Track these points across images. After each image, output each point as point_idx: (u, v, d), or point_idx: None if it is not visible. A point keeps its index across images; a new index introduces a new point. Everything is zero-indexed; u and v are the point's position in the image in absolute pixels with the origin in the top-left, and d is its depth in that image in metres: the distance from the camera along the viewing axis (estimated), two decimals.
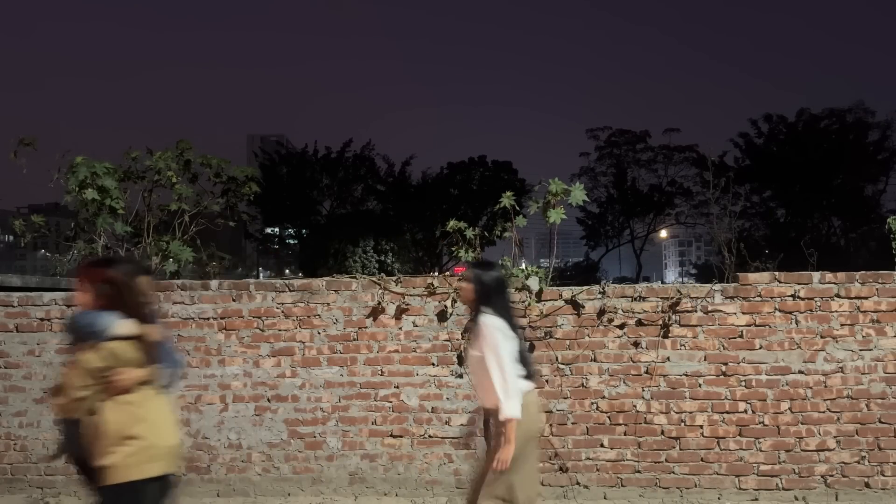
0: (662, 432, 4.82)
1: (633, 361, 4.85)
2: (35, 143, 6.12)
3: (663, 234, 48.93)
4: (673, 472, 4.80)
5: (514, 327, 3.30)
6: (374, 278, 5.04)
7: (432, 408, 4.93)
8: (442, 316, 4.96)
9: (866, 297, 4.77)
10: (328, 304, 4.99)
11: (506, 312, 3.30)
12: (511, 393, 3.15)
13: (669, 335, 4.84)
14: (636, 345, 4.85)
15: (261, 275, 46.50)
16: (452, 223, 5.32)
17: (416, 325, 4.97)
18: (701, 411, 4.80)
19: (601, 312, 4.87)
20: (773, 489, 4.76)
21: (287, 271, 44.64)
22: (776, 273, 4.87)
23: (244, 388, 4.98)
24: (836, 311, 4.78)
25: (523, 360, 3.29)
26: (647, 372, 4.84)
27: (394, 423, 4.94)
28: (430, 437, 4.93)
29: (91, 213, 5.83)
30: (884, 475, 4.72)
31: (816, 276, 4.82)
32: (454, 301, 4.93)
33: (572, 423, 4.86)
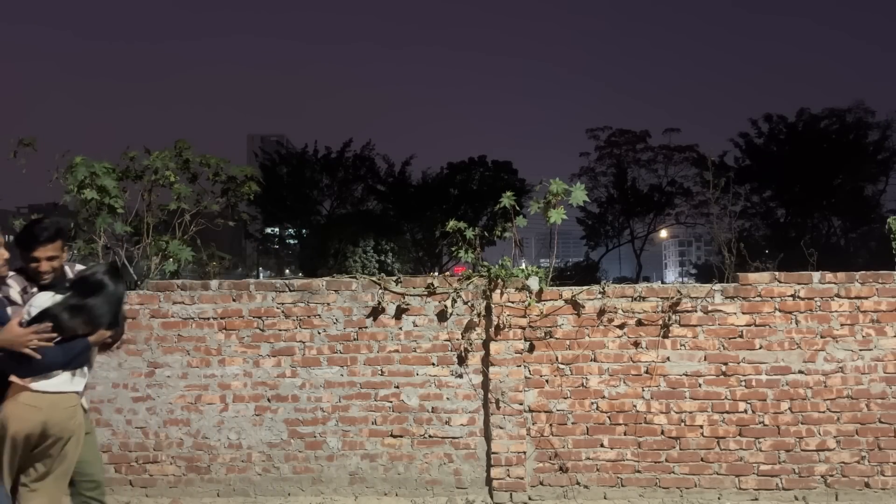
0: (662, 432, 4.82)
1: (633, 361, 4.85)
2: (34, 143, 6.12)
3: (663, 234, 48.92)
4: (673, 472, 4.80)
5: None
6: (374, 278, 5.04)
7: (432, 408, 4.93)
8: (442, 316, 4.95)
9: (866, 297, 4.77)
10: (328, 304, 4.99)
11: None
12: None
13: (669, 335, 4.83)
14: (636, 345, 4.85)
15: (261, 275, 46.47)
16: (452, 223, 5.31)
17: (416, 325, 4.97)
18: (701, 411, 4.80)
19: (601, 312, 4.87)
20: (773, 489, 4.76)
21: (287, 271, 44.63)
22: (776, 273, 4.87)
23: (244, 388, 4.98)
24: (836, 311, 4.78)
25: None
26: (647, 372, 4.84)
27: (394, 423, 4.94)
28: (430, 437, 4.93)
29: (90, 212, 5.83)
30: (884, 475, 4.72)
31: (816, 276, 4.82)
32: (454, 301, 4.93)
33: (572, 423, 4.86)
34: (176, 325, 4.99)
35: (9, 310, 3.19)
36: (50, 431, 3.17)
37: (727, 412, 4.79)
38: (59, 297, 3.21)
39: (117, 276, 3.40)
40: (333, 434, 4.95)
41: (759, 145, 39.05)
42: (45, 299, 3.22)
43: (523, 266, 5.26)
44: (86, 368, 3.32)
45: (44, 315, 3.15)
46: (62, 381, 3.20)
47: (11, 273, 3.32)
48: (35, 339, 3.08)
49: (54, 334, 3.14)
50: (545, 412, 4.86)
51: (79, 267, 3.50)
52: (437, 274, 5.71)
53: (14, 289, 3.29)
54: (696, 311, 4.84)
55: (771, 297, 4.81)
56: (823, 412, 4.75)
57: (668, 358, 4.83)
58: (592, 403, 4.85)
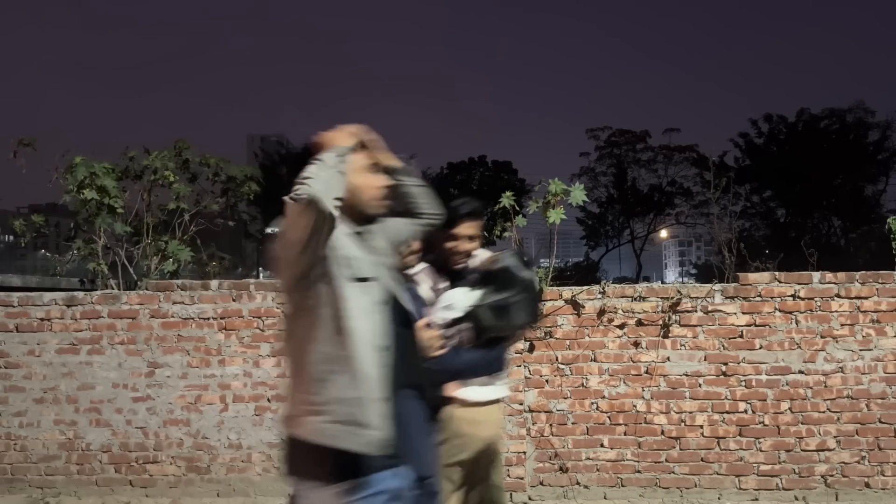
0: (662, 432, 4.82)
1: (633, 361, 4.84)
2: (34, 143, 6.12)
3: (663, 234, 48.81)
4: (673, 472, 4.80)
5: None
6: None
7: None
8: None
9: (866, 297, 4.77)
10: None
11: None
12: None
13: (669, 335, 4.83)
14: (636, 345, 4.85)
15: (261, 275, 46.43)
16: None
17: None
18: (701, 411, 4.80)
19: (601, 312, 4.87)
20: (773, 489, 4.76)
21: None
22: (776, 273, 4.87)
23: (244, 388, 4.97)
24: (836, 311, 4.78)
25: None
26: (647, 372, 4.83)
27: None
28: None
29: (90, 212, 5.84)
30: (884, 475, 4.72)
31: (816, 276, 4.82)
32: None
33: (572, 423, 4.85)
34: (176, 325, 4.99)
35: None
36: (485, 447, 2.87)
37: (727, 412, 4.78)
38: (474, 294, 2.79)
39: (528, 266, 2.93)
40: None
41: (759, 145, 39.03)
42: (458, 295, 2.81)
43: None
44: (504, 373, 2.97)
45: (466, 316, 2.77)
46: (489, 390, 2.87)
47: (421, 267, 2.95)
48: (443, 341, 2.65)
49: (473, 336, 2.78)
50: (545, 412, 4.86)
51: (484, 255, 3.03)
52: None
53: (423, 285, 2.91)
54: (696, 311, 4.84)
55: (771, 297, 4.81)
56: (823, 412, 4.75)
57: (668, 358, 4.83)
58: (592, 403, 4.85)
